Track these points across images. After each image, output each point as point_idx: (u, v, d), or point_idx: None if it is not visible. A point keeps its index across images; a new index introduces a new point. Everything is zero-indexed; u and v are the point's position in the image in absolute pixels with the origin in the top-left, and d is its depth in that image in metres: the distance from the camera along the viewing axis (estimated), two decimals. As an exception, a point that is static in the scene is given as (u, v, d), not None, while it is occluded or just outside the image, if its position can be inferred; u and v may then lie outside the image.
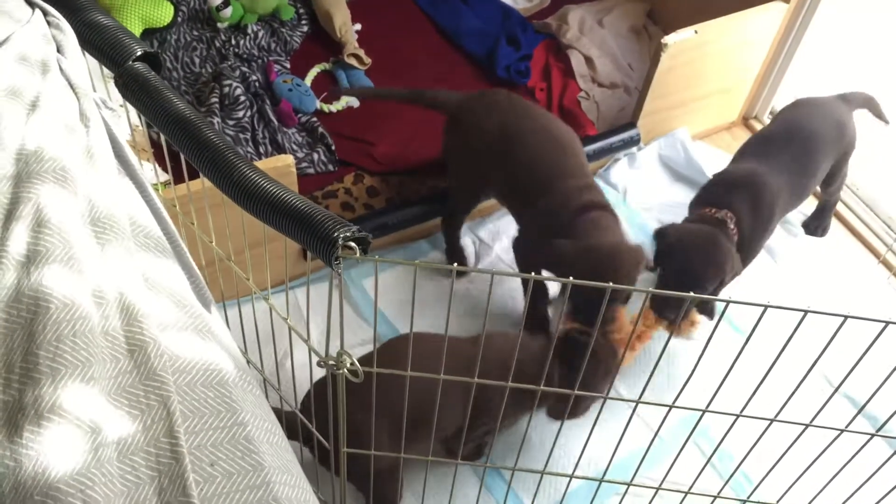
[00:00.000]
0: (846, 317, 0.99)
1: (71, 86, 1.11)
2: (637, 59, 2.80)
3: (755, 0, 2.43)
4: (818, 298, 2.26)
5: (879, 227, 2.46)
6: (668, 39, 2.27)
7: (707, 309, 2.10)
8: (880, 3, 2.67)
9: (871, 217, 2.48)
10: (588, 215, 1.91)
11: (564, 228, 1.90)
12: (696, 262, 1.91)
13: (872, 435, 1.22)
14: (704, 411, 1.21)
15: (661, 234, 1.98)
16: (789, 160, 2.06)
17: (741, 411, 1.20)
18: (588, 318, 1.82)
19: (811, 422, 1.20)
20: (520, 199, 2.06)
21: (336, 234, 0.98)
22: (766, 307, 1.02)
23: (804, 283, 2.30)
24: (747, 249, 2.04)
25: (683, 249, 1.92)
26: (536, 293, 2.10)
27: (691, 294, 1.06)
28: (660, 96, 2.42)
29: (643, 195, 2.50)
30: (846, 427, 1.20)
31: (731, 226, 1.96)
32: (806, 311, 1.01)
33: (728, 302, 1.06)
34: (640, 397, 1.24)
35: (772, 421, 1.20)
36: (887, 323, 1.00)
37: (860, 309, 2.17)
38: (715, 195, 2.03)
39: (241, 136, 2.40)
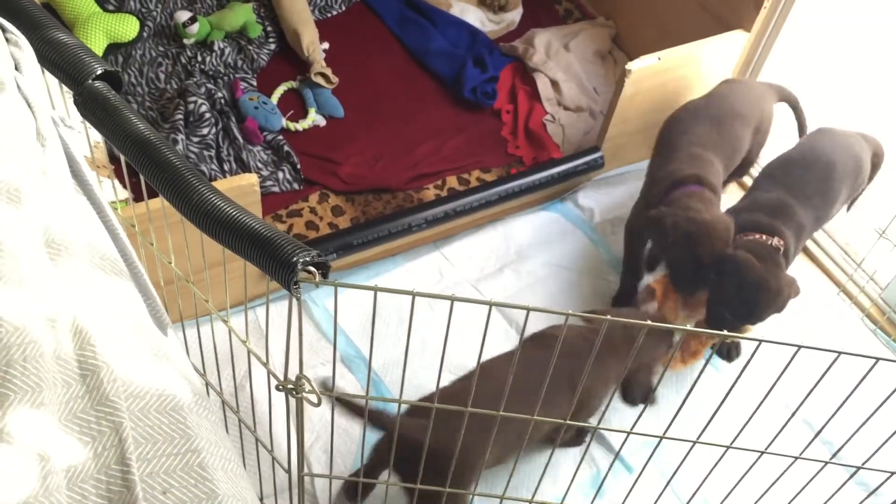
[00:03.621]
0: (799, 346, 1.01)
1: (28, 104, 1.09)
2: (602, 83, 2.83)
3: (717, 28, 2.48)
4: (777, 323, 2.29)
5: (836, 251, 2.50)
6: (632, 66, 2.30)
7: (724, 352, 2.19)
8: (839, 31, 2.73)
9: (828, 242, 2.52)
10: (684, 189, 2.06)
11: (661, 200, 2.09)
12: (756, 295, 1.94)
13: (826, 462, 1.23)
14: (662, 437, 1.22)
15: (726, 259, 1.98)
16: (812, 187, 2.10)
17: (697, 438, 1.21)
18: (682, 287, 2.04)
19: (766, 448, 1.21)
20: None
21: (295, 258, 0.98)
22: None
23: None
24: None
25: (744, 281, 1.94)
26: (634, 265, 2.25)
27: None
28: (624, 121, 2.45)
29: (612, 217, 2.52)
30: (800, 454, 1.22)
31: (781, 252, 1.99)
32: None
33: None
34: (598, 423, 1.24)
35: (727, 448, 1.21)
36: (839, 353, 1.02)
37: (819, 331, 2.22)
38: (757, 221, 2.04)
39: (206, 153, 2.38)
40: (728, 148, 2.22)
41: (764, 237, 1.99)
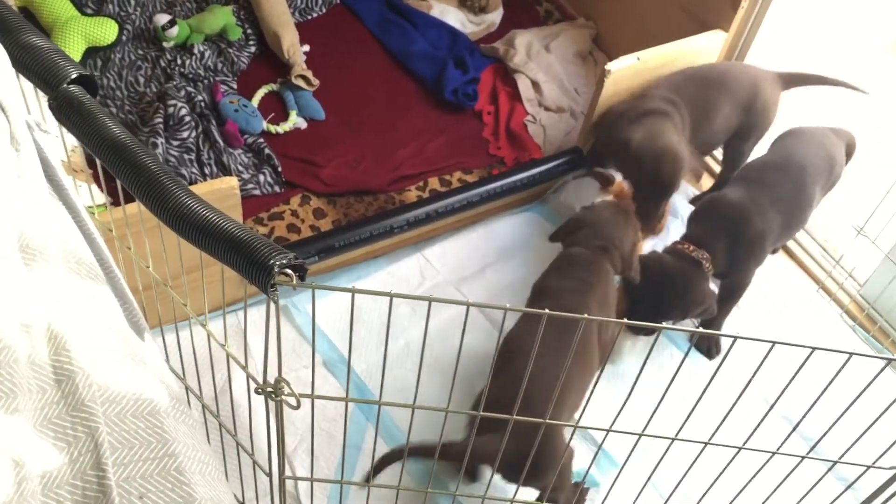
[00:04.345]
0: (774, 342, 1.02)
1: (1, 108, 1.09)
2: (583, 83, 2.84)
3: (696, 28, 2.50)
4: (754, 318, 2.31)
5: (814, 248, 2.52)
6: (611, 66, 2.31)
7: (704, 349, 2.23)
8: (818, 31, 2.76)
9: (807, 239, 2.54)
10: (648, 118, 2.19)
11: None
12: (669, 296, 2.01)
13: (803, 457, 1.24)
14: (641, 435, 1.23)
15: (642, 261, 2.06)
16: (782, 191, 2.12)
17: (676, 434, 1.22)
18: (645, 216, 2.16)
19: (744, 444, 1.22)
20: None
21: (272, 261, 0.98)
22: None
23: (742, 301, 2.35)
24: (734, 286, 2.17)
25: (659, 281, 2.01)
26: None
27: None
28: (604, 121, 2.46)
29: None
30: (777, 449, 1.23)
31: (707, 265, 2.03)
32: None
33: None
34: (577, 422, 1.25)
35: (706, 444, 1.22)
36: (813, 349, 1.03)
37: (798, 328, 2.23)
38: (701, 228, 2.11)
39: (186, 156, 2.37)
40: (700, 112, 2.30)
41: (691, 248, 2.04)
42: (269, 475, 1.34)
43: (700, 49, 2.48)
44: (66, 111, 1.13)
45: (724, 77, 2.33)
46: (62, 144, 1.32)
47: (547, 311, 1.05)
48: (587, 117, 2.49)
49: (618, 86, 2.36)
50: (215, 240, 1.02)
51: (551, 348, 1.54)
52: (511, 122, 2.67)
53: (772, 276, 2.41)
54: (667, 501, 1.45)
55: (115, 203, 2.06)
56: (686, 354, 1.16)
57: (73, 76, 1.14)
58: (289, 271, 0.99)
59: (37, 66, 1.15)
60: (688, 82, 2.31)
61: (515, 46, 2.85)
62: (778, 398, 1.16)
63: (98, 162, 1.18)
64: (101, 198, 1.94)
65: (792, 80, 2.41)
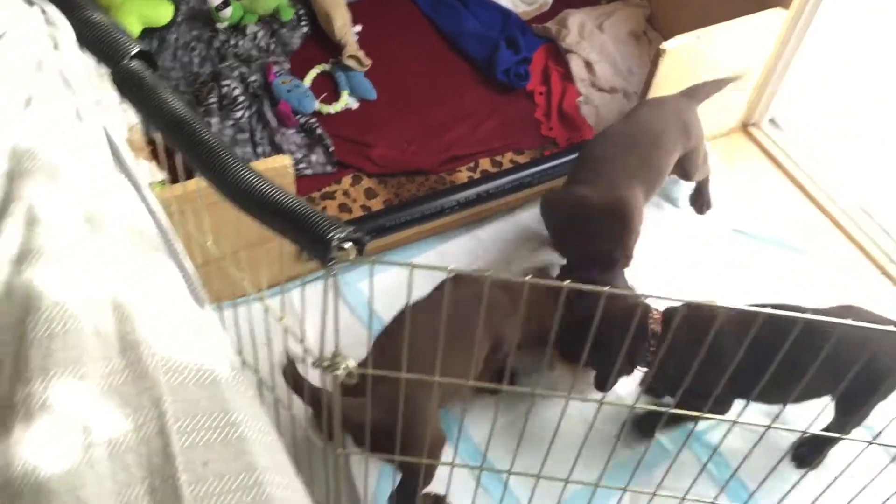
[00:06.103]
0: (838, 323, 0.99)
1: (66, 83, 1.11)
2: (637, 63, 2.80)
3: (755, 6, 2.43)
4: (814, 302, 2.25)
5: (876, 231, 2.46)
6: (667, 45, 2.27)
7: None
8: (880, 8, 2.67)
9: (867, 220, 2.47)
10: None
11: None
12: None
13: (869, 443, 1.21)
14: (699, 418, 1.21)
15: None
16: None
17: (737, 418, 1.20)
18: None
19: (807, 429, 1.20)
20: None
21: (331, 234, 0.98)
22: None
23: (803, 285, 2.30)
24: None
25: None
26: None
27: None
28: (659, 101, 2.41)
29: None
30: (844, 435, 1.20)
31: None
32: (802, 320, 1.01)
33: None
34: (635, 402, 1.23)
35: (767, 428, 1.19)
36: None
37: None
38: None
39: (240, 136, 2.39)
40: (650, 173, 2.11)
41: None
42: (325, 449, 1.35)
43: (759, 28, 2.42)
44: (129, 85, 1.14)
45: (657, 136, 2.12)
46: (124, 121, 1.34)
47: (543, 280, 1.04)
48: (640, 98, 2.45)
49: (673, 66, 2.32)
50: (275, 214, 1.02)
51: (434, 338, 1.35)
52: (563, 103, 2.64)
53: (831, 260, 2.36)
54: (724, 488, 1.44)
55: (173, 180, 2.10)
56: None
57: (135, 51, 1.16)
58: (348, 245, 0.99)
59: (99, 42, 1.17)
60: (622, 150, 2.09)
61: (568, 26, 2.82)
62: (843, 385, 1.13)
63: (157, 139, 1.19)
64: (159, 175, 1.97)
65: (697, 95, 2.26)
